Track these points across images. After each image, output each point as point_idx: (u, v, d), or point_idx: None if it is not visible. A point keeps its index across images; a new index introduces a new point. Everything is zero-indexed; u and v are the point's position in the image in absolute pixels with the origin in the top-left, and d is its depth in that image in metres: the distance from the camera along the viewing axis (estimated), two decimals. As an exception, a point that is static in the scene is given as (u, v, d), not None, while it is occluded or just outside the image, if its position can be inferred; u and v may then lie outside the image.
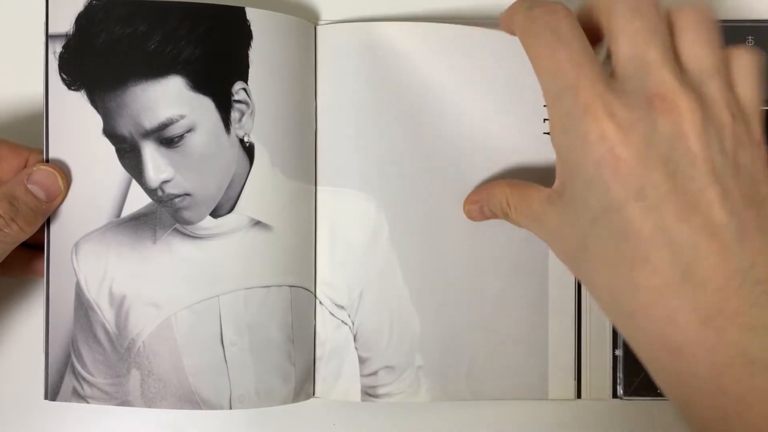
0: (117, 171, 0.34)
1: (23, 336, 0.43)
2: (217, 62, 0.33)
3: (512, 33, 0.35)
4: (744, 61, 0.34)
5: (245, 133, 0.33)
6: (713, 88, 0.32)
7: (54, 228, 0.36)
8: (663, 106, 0.31)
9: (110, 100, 0.33)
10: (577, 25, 0.32)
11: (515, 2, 0.35)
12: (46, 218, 0.37)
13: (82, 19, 0.33)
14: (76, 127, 0.34)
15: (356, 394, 0.38)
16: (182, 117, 0.32)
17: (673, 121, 0.30)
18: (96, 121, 0.33)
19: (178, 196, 0.33)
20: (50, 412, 0.42)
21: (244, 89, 0.33)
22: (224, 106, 0.33)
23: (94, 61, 0.33)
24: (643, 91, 0.31)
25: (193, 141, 0.32)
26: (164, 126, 0.32)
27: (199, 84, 0.32)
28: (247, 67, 0.33)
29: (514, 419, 0.40)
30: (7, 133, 0.40)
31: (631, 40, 0.32)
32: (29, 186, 0.36)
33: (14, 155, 0.38)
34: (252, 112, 0.33)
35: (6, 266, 0.38)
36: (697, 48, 0.33)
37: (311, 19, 0.39)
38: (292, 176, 0.35)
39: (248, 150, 0.34)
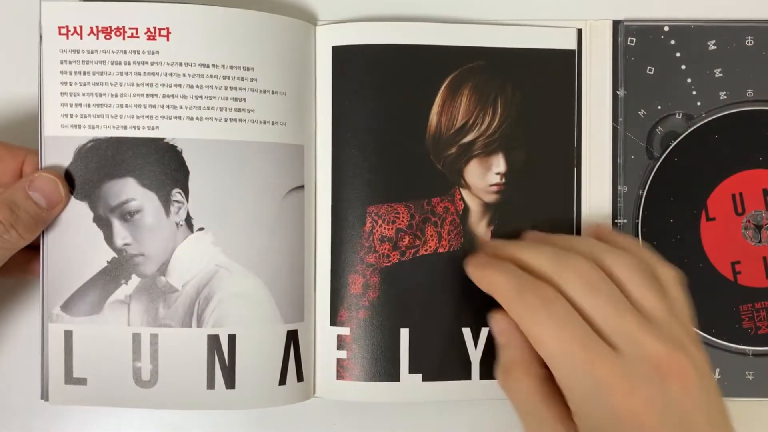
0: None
1: (22, 335, 0.44)
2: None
3: (484, 287, 0.38)
4: (673, 291, 0.37)
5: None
6: (676, 331, 0.35)
7: (49, 229, 0.40)
8: (670, 372, 0.33)
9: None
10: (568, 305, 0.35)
11: (495, 268, 0.37)
12: (45, 226, 0.38)
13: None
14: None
15: None
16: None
17: (681, 384, 0.33)
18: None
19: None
20: (50, 412, 0.43)
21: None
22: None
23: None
24: (645, 360, 0.33)
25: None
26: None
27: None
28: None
29: (515, 419, 0.38)
30: (3, 135, 0.42)
31: (604, 312, 0.34)
32: (30, 193, 0.36)
33: (10, 156, 0.39)
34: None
35: (3, 267, 0.38)
36: (646, 293, 0.35)
37: (310, 20, 0.43)
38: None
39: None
